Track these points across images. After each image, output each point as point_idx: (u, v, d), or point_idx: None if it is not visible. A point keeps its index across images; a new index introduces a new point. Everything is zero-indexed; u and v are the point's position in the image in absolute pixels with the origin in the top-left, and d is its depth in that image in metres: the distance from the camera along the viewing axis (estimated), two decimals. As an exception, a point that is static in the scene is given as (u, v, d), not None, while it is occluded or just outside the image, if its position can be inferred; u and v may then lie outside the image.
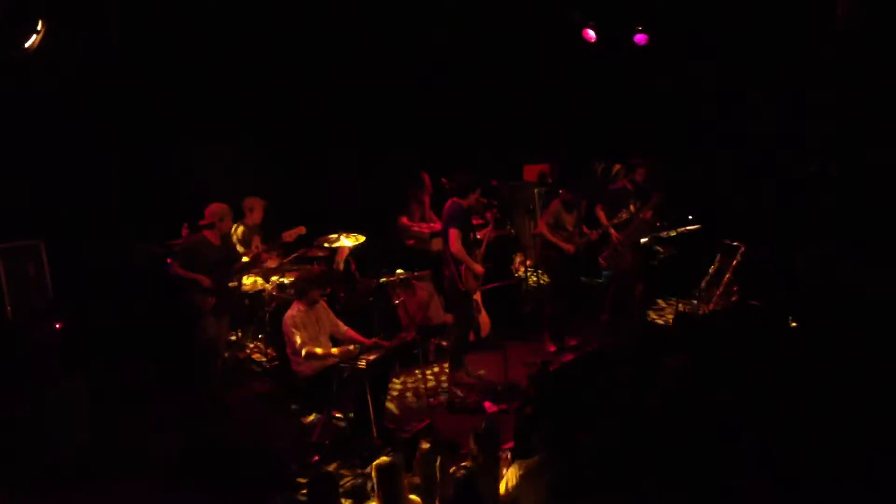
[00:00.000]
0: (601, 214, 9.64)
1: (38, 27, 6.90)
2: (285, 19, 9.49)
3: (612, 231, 9.52)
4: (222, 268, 7.63)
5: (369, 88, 10.45)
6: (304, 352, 7.06)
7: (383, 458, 5.23)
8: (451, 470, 5.39)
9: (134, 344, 8.18)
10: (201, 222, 7.59)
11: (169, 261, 7.79)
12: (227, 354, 8.28)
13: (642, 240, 9.55)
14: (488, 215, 9.23)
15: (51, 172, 8.02)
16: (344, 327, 7.48)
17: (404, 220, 9.93)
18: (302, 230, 8.19)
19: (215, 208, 7.63)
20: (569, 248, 9.17)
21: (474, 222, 8.67)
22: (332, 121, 10.17)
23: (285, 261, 8.86)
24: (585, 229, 9.37)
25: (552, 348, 9.25)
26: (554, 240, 9.16)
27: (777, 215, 10.26)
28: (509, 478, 5.22)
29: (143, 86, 8.62)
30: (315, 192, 9.62)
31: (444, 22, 10.73)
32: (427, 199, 9.97)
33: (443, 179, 9.59)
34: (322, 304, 7.46)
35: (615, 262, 9.67)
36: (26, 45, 6.89)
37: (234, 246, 8.03)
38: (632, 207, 9.62)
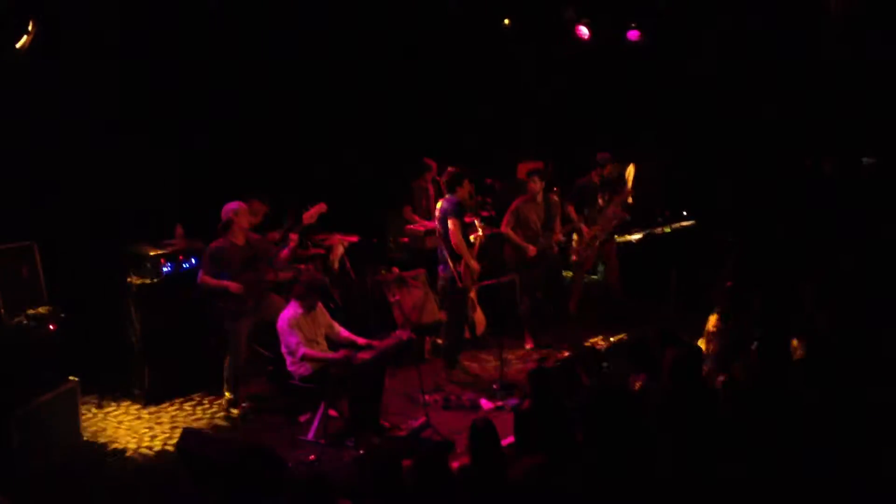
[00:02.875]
0: (572, 211, 9.62)
1: (29, 28, 6.87)
2: (275, 13, 9.48)
3: (584, 227, 9.50)
4: (252, 267, 7.60)
5: (364, 87, 10.44)
6: (300, 353, 7.04)
7: None
8: None
9: (131, 346, 8.14)
10: (220, 225, 7.55)
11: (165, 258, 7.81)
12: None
13: (635, 237, 9.57)
14: (483, 213, 9.23)
15: (44, 172, 8.00)
16: (338, 328, 7.46)
17: (408, 209, 9.90)
18: (323, 207, 7.91)
19: (228, 205, 7.57)
20: (530, 250, 8.95)
21: (467, 220, 8.67)
22: (328, 120, 10.15)
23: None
24: (559, 228, 9.21)
25: (529, 344, 9.29)
26: (517, 240, 8.99)
27: (775, 212, 10.31)
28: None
29: (140, 83, 8.58)
30: (310, 190, 9.59)
31: (438, 19, 10.73)
32: (431, 188, 9.90)
33: (437, 178, 9.59)
34: (319, 306, 7.44)
35: (585, 256, 9.65)
36: (17, 45, 6.86)
37: (262, 241, 7.95)
38: (600, 201, 9.61)
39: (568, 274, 10.19)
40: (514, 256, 9.18)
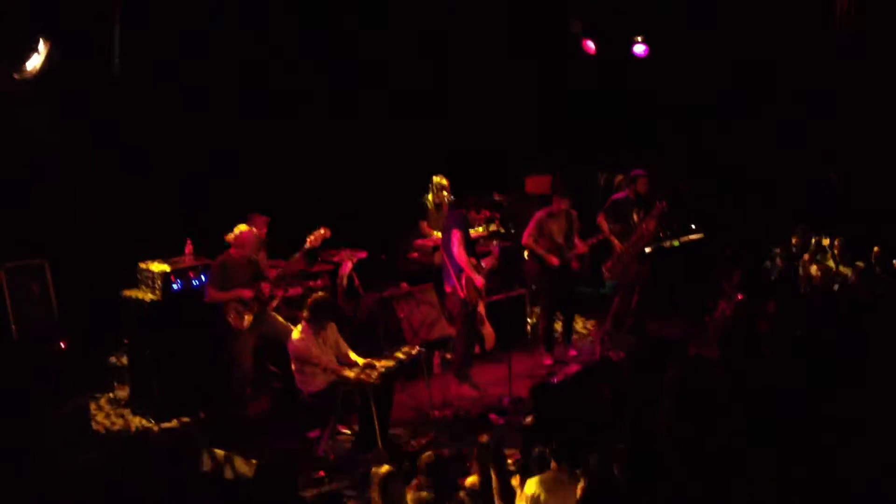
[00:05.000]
0: (603, 224, 9.62)
1: (41, 50, 6.94)
2: (282, 29, 9.53)
3: (615, 241, 9.50)
4: (256, 282, 7.64)
5: (372, 101, 10.48)
6: (323, 366, 7.04)
7: (384, 468, 5.25)
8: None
9: (140, 362, 8.17)
10: (233, 246, 7.62)
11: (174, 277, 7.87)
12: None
13: (646, 249, 9.55)
14: (491, 228, 9.22)
15: (55, 190, 8.05)
16: (344, 347, 7.45)
17: (424, 224, 9.97)
18: (327, 233, 7.99)
19: (242, 234, 7.65)
20: (553, 260, 9.03)
21: (475, 236, 8.68)
22: (332, 136, 10.19)
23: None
24: (578, 240, 9.26)
25: (548, 361, 9.24)
26: (539, 251, 9.04)
27: (780, 220, 10.29)
28: (527, 490, 5.16)
29: (145, 98, 8.63)
30: (317, 205, 9.62)
31: (443, 29, 10.77)
32: (445, 205, 9.92)
33: (450, 196, 9.62)
34: (329, 324, 7.44)
35: (618, 273, 9.64)
36: (29, 67, 6.93)
37: (258, 262, 7.99)
38: (635, 217, 9.61)
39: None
40: (533, 269, 9.19)
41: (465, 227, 8.27)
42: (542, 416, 5.84)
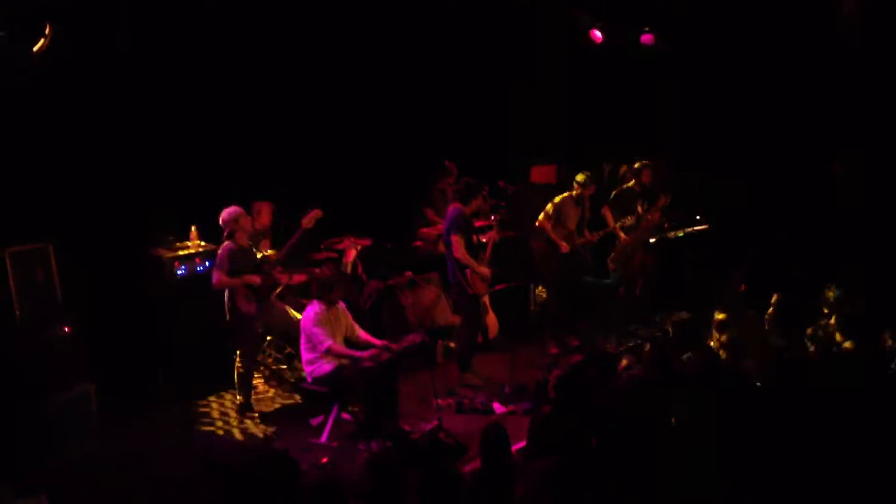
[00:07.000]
0: (608, 215, 9.61)
1: (46, 31, 6.91)
2: (284, 15, 9.49)
3: (620, 233, 9.49)
4: (258, 270, 7.65)
5: (375, 89, 10.45)
6: (325, 346, 7.07)
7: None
8: None
9: (144, 348, 8.18)
10: (226, 234, 7.60)
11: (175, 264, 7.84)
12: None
13: (651, 240, 9.54)
14: (496, 217, 9.22)
15: (59, 174, 8.04)
16: (358, 330, 7.48)
17: (429, 212, 9.95)
18: (318, 213, 8.02)
19: (229, 213, 7.62)
20: (563, 246, 9.06)
21: (479, 224, 8.65)
22: (336, 124, 10.16)
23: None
24: (587, 233, 9.24)
25: (554, 350, 9.24)
26: (551, 234, 9.06)
27: (783, 216, 10.29)
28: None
29: (151, 83, 8.61)
30: (321, 193, 9.60)
31: (448, 19, 10.73)
32: (450, 191, 9.91)
33: (454, 185, 9.59)
34: (341, 305, 7.46)
35: (623, 264, 9.64)
36: (34, 49, 6.91)
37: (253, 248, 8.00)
38: (639, 209, 9.60)
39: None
40: (541, 250, 9.17)
41: (464, 228, 8.25)
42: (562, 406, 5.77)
